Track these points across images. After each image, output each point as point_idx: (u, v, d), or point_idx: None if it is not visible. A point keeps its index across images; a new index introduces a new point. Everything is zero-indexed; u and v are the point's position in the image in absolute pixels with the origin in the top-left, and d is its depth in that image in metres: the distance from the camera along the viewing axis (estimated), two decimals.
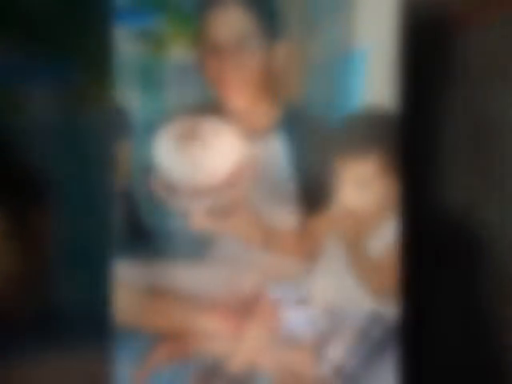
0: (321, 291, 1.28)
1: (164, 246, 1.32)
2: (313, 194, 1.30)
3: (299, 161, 1.32)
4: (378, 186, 1.27)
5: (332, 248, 1.29)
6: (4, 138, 1.14)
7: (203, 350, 1.28)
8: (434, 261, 1.15)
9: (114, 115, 1.22)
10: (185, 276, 1.29)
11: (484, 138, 1.16)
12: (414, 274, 1.15)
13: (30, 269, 1.15)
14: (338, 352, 1.26)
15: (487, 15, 1.15)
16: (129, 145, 1.36)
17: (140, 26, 1.41)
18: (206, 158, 1.21)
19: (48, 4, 1.15)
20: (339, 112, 1.36)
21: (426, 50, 1.15)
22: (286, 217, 1.31)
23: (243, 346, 1.27)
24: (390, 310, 1.23)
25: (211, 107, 1.34)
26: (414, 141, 1.16)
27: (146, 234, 1.35)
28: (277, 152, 1.33)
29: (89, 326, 1.14)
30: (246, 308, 1.28)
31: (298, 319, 1.29)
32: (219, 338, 1.27)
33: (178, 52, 1.41)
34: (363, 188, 1.27)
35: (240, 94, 1.32)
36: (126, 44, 1.37)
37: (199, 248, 1.32)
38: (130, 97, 1.37)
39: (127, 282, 1.25)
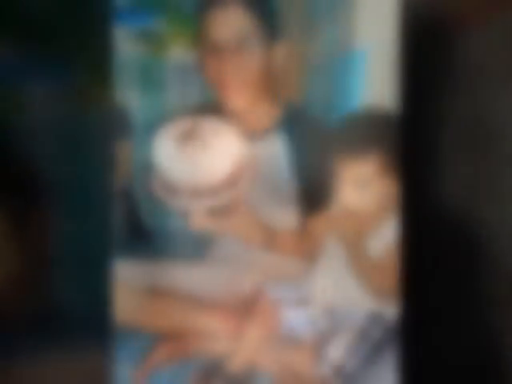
0: (321, 291, 1.28)
1: (164, 246, 1.32)
2: (313, 193, 1.30)
3: (299, 161, 1.32)
4: (377, 186, 1.27)
5: (332, 248, 1.29)
6: (4, 138, 1.14)
7: (203, 349, 1.28)
8: (433, 261, 1.15)
9: (114, 115, 1.22)
10: (185, 276, 1.29)
11: (484, 138, 1.16)
12: (414, 274, 1.15)
13: (29, 269, 1.15)
14: (337, 352, 1.26)
15: (487, 15, 1.15)
16: (129, 145, 1.36)
17: (140, 26, 1.41)
18: (206, 158, 1.21)
19: (48, 4, 1.15)
20: (339, 112, 1.36)
21: (426, 50, 1.15)
22: (285, 217, 1.31)
23: (243, 346, 1.27)
24: (389, 310, 1.23)
25: (211, 107, 1.34)
26: (414, 141, 1.16)
27: (146, 234, 1.35)
28: (277, 152, 1.33)
29: (89, 325, 1.14)
30: (245, 308, 1.28)
31: (297, 319, 1.29)
32: (219, 337, 1.27)
33: (178, 52, 1.41)
34: (363, 188, 1.27)
35: (240, 94, 1.32)
36: (126, 44, 1.37)
37: (199, 248, 1.32)
38: (130, 97, 1.37)
39: (127, 281, 1.25)
